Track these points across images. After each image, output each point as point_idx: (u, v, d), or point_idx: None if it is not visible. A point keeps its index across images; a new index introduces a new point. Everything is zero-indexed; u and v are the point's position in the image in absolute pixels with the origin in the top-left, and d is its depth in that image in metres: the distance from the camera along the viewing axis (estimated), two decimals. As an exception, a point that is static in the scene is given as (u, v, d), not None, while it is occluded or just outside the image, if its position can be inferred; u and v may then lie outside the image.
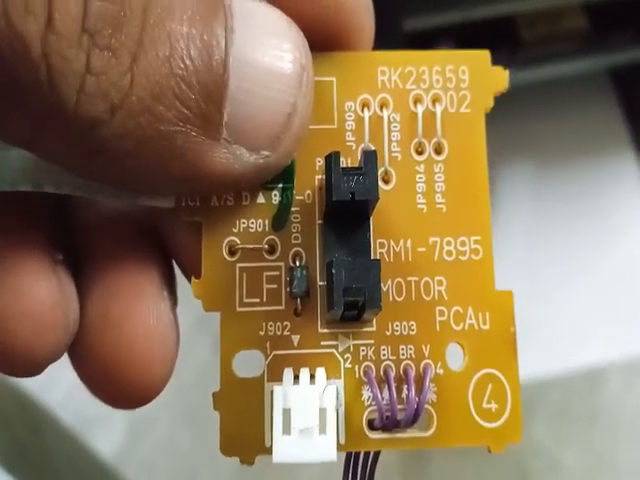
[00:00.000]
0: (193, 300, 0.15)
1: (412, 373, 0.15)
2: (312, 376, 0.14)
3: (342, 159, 0.14)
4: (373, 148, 0.15)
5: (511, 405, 0.15)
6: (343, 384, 0.15)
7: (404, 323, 0.15)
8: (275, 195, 0.15)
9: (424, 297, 0.15)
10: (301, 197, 0.15)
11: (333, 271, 0.13)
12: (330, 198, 0.14)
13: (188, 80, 0.12)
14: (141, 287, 0.15)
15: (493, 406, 0.15)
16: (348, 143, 0.15)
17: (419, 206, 0.15)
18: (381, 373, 0.15)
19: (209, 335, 0.40)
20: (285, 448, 0.13)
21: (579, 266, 0.45)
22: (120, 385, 0.15)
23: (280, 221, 0.15)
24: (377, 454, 0.15)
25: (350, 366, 0.15)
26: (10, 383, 0.39)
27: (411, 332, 0.15)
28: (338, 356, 0.15)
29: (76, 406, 0.39)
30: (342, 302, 0.13)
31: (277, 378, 0.14)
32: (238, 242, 0.15)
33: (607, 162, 0.48)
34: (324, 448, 0.13)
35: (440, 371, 0.15)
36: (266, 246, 0.15)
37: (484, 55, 0.16)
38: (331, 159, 0.14)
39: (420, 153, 0.16)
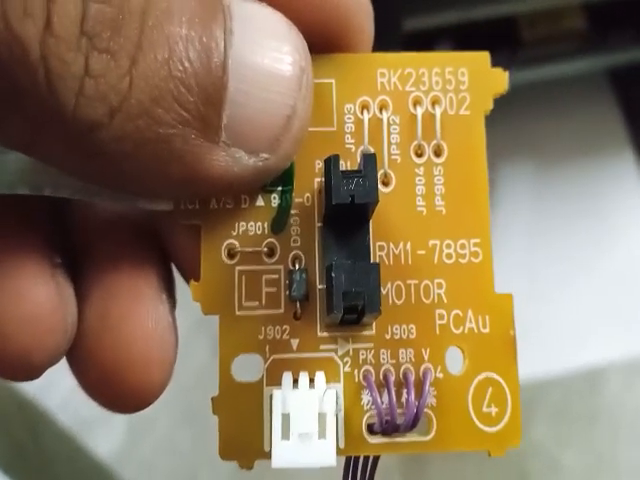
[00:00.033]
0: (192, 302, 0.15)
1: (412, 377, 0.14)
2: (311, 380, 0.14)
3: (341, 162, 0.14)
4: (372, 151, 0.15)
5: (511, 409, 0.15)
6: (342, 388, 0.14)
7: (404, 327, 0.15)
8: (274, 198, 0.15)
9: (424, 300, 0.15)
10: (300, 200, 0.15)
11: (333, 274, 0.13)
12: (329, 201, 0.14)
13: (187, 82, 0.12)
14: (140, 290, 0.15)
15: (493, 410, 0.15)
16: (347, 145, 0.15)
17: (419, 209, 0.15)
18: (381, 377, 0.15)
19: (208, 336, 0.40)
20: (284, 453, 0.13)
21: (579, 266, 0.45)
22: (119, 389, 0.15)
23: (279, 224, 0.15)
24: (377, 458, 0.15)
25: (349, 370, 0.15)
26: (9, 385, 0.38)
27: (411, 336, 0.15)
28: (337, 360, 0.15)
29: (75, 407, 0.39)
30: (341, 306, 0.13)
31: (276, 382, 0.14)
32: (237, 245, 0.15)
33: (607, 162, 0.48)
34: (323, 453, 0.13)
35: (440, 375, 0.15)
36: (265, 249, 0.15)
37: (484, 57, 0.16)
38: (330, 162, 0.14)
39: (420, 155, 0.16)
